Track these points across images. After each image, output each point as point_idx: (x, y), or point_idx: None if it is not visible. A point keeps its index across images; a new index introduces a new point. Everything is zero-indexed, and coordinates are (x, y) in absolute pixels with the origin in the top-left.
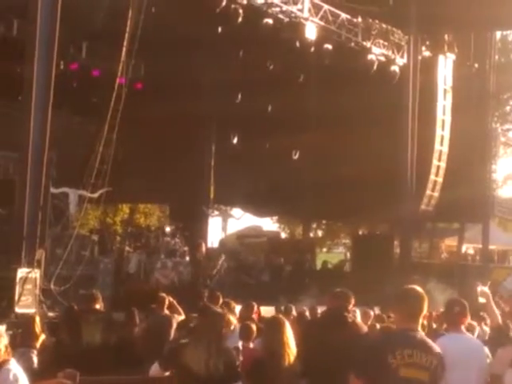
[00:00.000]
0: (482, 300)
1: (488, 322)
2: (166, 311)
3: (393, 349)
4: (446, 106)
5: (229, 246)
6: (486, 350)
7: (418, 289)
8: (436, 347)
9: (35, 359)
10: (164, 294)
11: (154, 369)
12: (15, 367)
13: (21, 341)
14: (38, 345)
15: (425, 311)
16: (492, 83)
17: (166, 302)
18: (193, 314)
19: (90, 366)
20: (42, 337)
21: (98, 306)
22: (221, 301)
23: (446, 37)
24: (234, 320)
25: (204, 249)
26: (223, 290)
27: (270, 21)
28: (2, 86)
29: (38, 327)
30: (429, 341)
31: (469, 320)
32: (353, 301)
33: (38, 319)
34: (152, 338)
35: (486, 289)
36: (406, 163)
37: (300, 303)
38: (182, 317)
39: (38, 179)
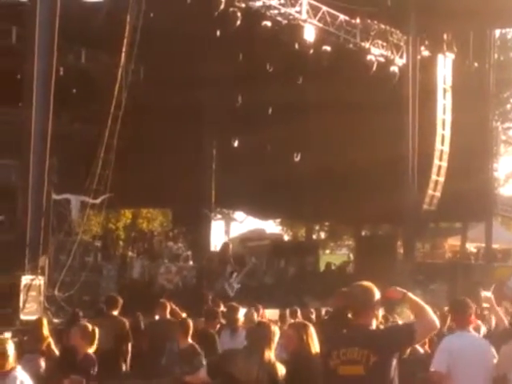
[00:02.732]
0: (485, 305)
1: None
2: (169, 316)
3: (330, 350)
4: (446, 105)
5: (232, 250)
6: (493, 349)
7: (363, 284)
8: (377, 338)
9: (43, 364)
10: (165, 300)
11: (201, 374)
12: (21, 374)
13: (28, 345)
14: (44, 347)
15: (374, 305)
16: (492, 81)
17: (168, 308)
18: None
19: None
20: (50, 340)
21: (115, 312)
22: (221, 306)
23: (444, 36)
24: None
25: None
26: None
27: (268, 23)
28: (3, 93)
29: (45, 330)
30: (368, 333)
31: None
32: None
33: (45, 322)
34: (155, 343)
35: (489, 293)
36: (408, 163)
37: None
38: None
39: (40, 186)
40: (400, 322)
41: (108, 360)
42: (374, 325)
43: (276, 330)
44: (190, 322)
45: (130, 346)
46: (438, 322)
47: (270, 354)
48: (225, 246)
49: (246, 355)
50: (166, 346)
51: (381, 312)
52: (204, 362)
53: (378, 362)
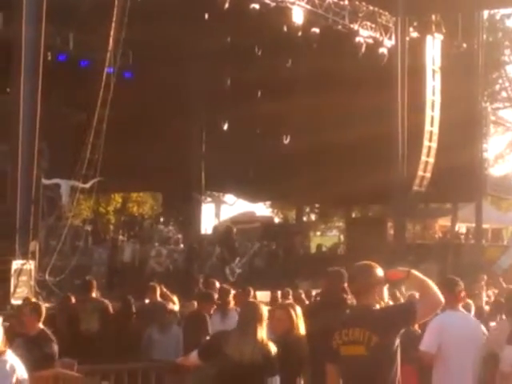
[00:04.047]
0: None
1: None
2: (159, 299)
3: (333, 331)
4: (436, 86)
5: (222, 232)
6: (483, 327)
7: (363, 264)
8: (378, 318)
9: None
10: (155, 283)
11: (193, 356)
12: (12, 358)
13: (19, 329)
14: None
15: (375, 285)
16: (480, 62)
17: (158, 291)
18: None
19: (88, 354)
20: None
21: (93, 294)
22: (217, 287)
23: (433, 17)
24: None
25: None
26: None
27: (256, 6)
28: None
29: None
30: (369, 314)
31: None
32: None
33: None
34: (148, 326)
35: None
36: (397, 144)
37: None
38: (176, 305)
39: (30, 171)
40: (402, 301)
41: (93, 342)
42: (376, 304)
43: (265, 309)
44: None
45: (113, 327)
46: (442, 298)
47: (263, 334)
48: (227, 229)
49: (238, 335)
50: (146, 331)
51: (386, 290)
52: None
53: (380, 342)
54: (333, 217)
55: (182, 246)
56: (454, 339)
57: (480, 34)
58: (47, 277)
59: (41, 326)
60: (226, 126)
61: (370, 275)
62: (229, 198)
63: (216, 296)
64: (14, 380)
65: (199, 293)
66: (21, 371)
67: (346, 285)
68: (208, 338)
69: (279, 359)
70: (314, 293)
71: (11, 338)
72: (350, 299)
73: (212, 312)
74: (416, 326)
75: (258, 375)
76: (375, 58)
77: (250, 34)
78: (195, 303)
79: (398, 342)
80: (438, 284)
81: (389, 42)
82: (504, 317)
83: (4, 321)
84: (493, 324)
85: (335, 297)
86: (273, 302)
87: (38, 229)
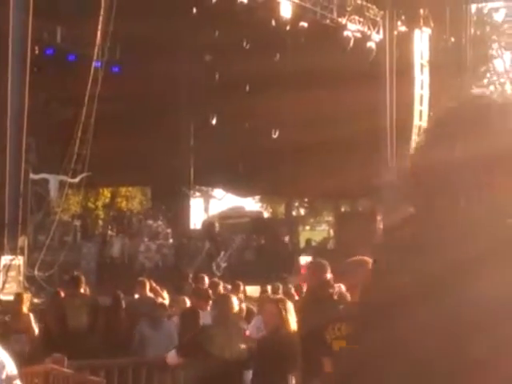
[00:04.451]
0: None
1: None
2: (149, 294)
3: (325, 326)
4: (424, 80)
5: (206, 228)
6: None
7: (355, 260)
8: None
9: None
10: (144, 278)
11: (171, 356)
12: (1, 353)
13: (13, 324)
14: (24, 324)
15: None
16: (468, 56)
17: (148, 286)
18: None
19: (78, 349)
20: (30, 317)
21: (82, 290)
22: (207, 282)
23: (421, 11)
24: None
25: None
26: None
27: (244, 0)
28: None
29: (25, 306)
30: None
31: None
32: (329, 269)
33: (25, 297)
34: (133, 322)
35: None
36: (386, 138)
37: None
38: (166, 299)
39: (18, 166)
40: None
41: (83, 338)
42: None
43: (236, 301)
44: None
45: (102, 322)
46: None
47: (239, 326)
48: (209, 224)
49: (217, 330)
50: (136, 327)
51: None
52: None
53: None
54: (322, 211)
55: (171, 240)
56: None
57: (468, 27)
58: (36, 272)
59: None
60: (214, 121)
61: (363, 271)
62: (218, 192)
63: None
64: (3, 376)
65: (196, 289)
66: (10, 367)
67: (328, 276)
68: (190, 335)
69: (270, 354)
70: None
71: (7, 334)
72: (337, 293)
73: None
74: None
75: (238, 369)
76: (363, 52)
77: (238, 29)
78: (186, 299)
79: None
80: None
81: (377, 36)
82: None
83: None
84: None
85: (322, 292)
86: (262, 296)
87: (26, 224)
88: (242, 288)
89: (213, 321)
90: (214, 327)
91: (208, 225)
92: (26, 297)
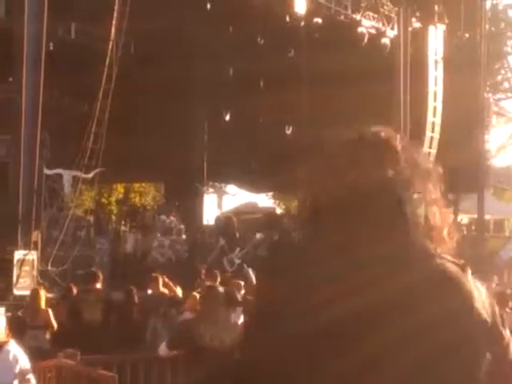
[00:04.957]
0: None
1: None
2: (162, 289)
3: None
4: (438, 77)
5: (223, 223)
6: None
7: None
8: None
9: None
10: (157, 274)
11: (162, 349)
12: (15, 348)
13: (29, 320)
14: (43, 319)
15: None
16: (483, 53)
17: (161, 281)
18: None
19: (91, 344)
20: (48, 311)
21: (98, 285)
22: (219, 278)
23: (436, 7)
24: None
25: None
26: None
27: None
28: None
29: (42, 301)
30: None
31: None
32: None
33: (42, 293)
34: (146, 317)
35: None
36: (400, 135)
37: None
38: (179, 295)
39: (32, 161)
40: None
41: (95, 332)
42: None
43: (221, 290)
44: None
45: (116, 317)
46: None
47: (228, 318)
48: (226, 220)
49: (201, 322)
50: (149, 322)
51: None
52: None
53: None
54: None
55: (184, 236)
56: None
57: (482, 24)
58: (50, 267)
59: None
60: (228, 117)
61: None
62: (231, 188)
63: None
64: (16, 370)
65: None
66: (23, 361)
67: None
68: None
69: None
70: None
71: (23, 329)
72: None
73: None
74: None
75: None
76: (378, 49)
77: (252, 24)
78: (197, 295)
79: None
80: None
81: (391, 33)
82: (508, 309)
83: (7, 311)
84: None
85: None
86: None
87: (40, 219)
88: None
89: (199, 311)
90: (200, 318)
91: (225, 221)
92: (43, 293)
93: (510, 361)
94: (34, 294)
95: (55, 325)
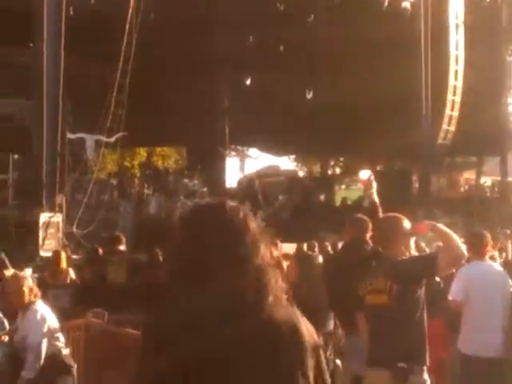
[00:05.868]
0: None
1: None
2: None
3: (359, 280)
4: (459, 40)
5: (246, 186)
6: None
7: (389, 216)
8: (398, 268)
9: (67, 299)
10: None
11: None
12: (42, 307)
13: (51, 280)
14: (65, 280)
15: (400, 236)
16: (504, 16)
17: None
18: None
19: (116, 305)
20: (70, 272)
21: (122, 248)
22: None
23: None
24: None
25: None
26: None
27: None
28: (14, 33)
29: (63, 262)
30: (392, 264)
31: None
32: (369, 226)
33: (63, 254)
34: None
35: None
36: (421, 98)
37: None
38: None
39: (55, 126)
40: (427, 251)
41: (121, 294)
42: (402, 255)
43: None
44: None
45: (140, 279)
46: (465, 251)
47: None
48: (249, 182)
49: None
50: None
51: (412, 242)
52: None
53: (401, 291)
54: (357, 170)
55: (207, 199)
56: (481, 288)
57: None
58: (74, 229)
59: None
60: (249, 81)
61: (398, 227)
62: (253, 151)
63: None
64: (45, 329)
65: None
66: (52, 320)
67: (369, 235)
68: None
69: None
70: (339, 245)
71: (46, 289)
72: (371, 249)
73: None
74: (438, 279)
75: None
76: (398, 12)
77: None
78: None
79: (420, 291)
80: (464, 236)
81: None
82: None
83: (34, 272)
84: None
85: (355, 248)
86: (299, 252)
87: (64, 182)
88: (279, 245)
89: None
90: None
91: (248, 183)
92: (64, 254)
93: None
94: (55, 254)
95: (78, 284)
